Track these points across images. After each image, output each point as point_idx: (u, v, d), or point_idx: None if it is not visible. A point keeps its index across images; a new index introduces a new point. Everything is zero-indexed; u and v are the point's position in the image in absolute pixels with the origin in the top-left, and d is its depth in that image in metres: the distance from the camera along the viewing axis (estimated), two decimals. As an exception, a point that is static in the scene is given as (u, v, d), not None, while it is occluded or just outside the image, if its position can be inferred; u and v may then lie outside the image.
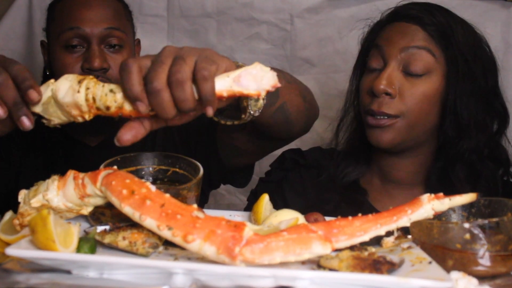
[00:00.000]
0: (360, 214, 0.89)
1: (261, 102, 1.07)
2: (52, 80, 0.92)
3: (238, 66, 0.94)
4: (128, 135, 0.91)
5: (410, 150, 1.47)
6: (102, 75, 1.56)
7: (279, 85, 0.89)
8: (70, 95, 0.89)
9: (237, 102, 1.06)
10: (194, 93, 0.87)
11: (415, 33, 1.42)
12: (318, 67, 2.15)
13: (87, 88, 0.89)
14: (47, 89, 0.91)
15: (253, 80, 0.87)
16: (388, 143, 1.43)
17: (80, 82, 0.90)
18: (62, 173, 0.96)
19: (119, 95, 0.88)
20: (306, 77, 2.11)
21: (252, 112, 1.05)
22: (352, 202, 1.47)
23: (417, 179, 1.51)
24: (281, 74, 1.20)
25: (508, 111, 1.50)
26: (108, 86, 0.89)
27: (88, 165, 1.01)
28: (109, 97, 0.88)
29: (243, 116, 1.06)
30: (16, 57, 2.09)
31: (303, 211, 1.10)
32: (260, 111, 1.06)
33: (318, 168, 1.56)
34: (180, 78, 0.85)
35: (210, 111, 0.88)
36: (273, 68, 1.10)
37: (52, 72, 1.69)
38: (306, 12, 2.11)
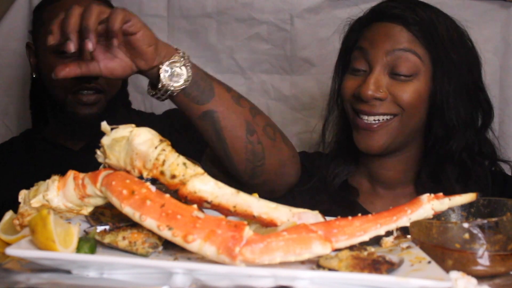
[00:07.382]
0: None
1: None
2: (133, 125, 0.93)
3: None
4: (65, 70, 1.12)
5: (398, 150, 1.45)
6: (93, 81, 1.56)
7: None
8: (147, 146, 0.90)
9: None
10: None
11: (400, 34, 1.39)
12: (318, 67, 2.14)
13: (163, 150, 0.90)
14: (126, 129, 0.92)
15: None
16: (378, 148, 1.41)
17: (161, 141, 0.91)
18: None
19: (190, 171, 0.90)
20: (306, 77, 2.10)
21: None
22: (343, 204, 1.45)
23: (406, 178, 1.49)
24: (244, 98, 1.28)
25: (491, 104, 1.48)
26: (182, 159, 0.91)
27: (72, 169, 1.00)
28: (180, 168, 0.90)
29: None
30: (16, 57, 2.09)
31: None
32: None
33: (305, 172, 1.50)
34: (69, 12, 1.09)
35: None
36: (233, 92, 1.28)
37: (40, 75, 1.67)
38: (306, 12, 2.10)
